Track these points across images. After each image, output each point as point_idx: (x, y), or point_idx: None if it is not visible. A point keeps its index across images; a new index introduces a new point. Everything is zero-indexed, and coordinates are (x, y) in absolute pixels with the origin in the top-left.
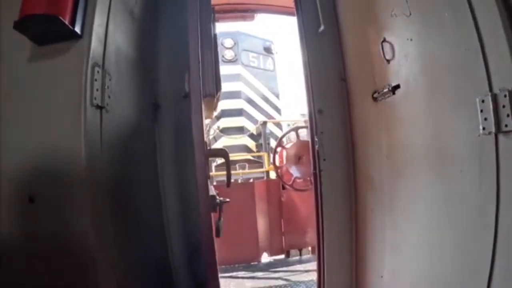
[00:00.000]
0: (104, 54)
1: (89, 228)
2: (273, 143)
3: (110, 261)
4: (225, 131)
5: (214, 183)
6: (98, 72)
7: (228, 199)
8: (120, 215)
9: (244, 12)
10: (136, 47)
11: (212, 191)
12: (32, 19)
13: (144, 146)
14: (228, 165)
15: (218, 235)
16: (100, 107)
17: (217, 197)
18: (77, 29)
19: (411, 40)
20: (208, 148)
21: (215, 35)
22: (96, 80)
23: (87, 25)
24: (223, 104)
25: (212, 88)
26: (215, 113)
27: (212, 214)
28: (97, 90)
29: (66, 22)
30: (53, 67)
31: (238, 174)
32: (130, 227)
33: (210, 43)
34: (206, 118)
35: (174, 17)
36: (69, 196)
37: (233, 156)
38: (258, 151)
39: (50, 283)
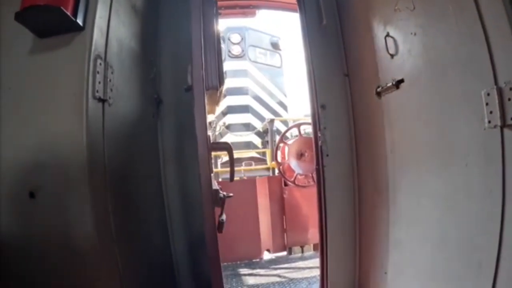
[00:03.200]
0: (106, 47)
1: (90, 223)
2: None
3: (112, 255)
4: (231, 127)
5: (220, 180)
6: (100, 64)
7: (231, 194)
8: (122, 209)
9: (246, 8)
10: (139, 40)
11: (215, 185)
12: (34, 10)
13: (146, 140)
14: (232, 159)
15: (220, 230)
16: (102, 100)
17: (221, 192)
18: (79, 21)
19: (415, 34)
20: (212, 142)
21: (217, 28)
22: (98, 72)
23: (89, 17)
24: (230, 100)
25: (215, 81)
26: (221, 109)
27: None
28: (99, 82)
29: (68, 13)
30: (55, 59)
31: (241, 171)
32: (132, 221)
33: (213, 36)
34: (209, 113)
35: (177, 10)
36: (70, 190)
37: (238, 153)
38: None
39: (52, 278)
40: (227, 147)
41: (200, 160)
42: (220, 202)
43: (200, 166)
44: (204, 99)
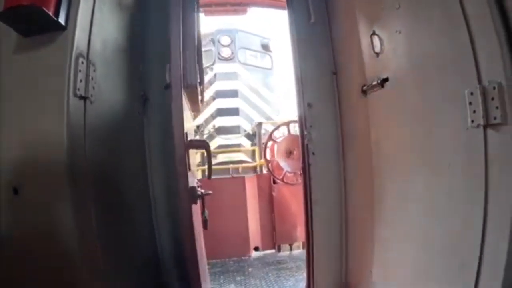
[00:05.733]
0: (89, 45)
1: (71, 219)
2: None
3: (94, 253)
4: (221, 130)
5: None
6: (82, 63)
7: (210, 191)
8: (104, 206)
9: (236, 5)
10: (125, 37)
11: (194, 183)
12: (17, 11)
13: (131, 137)
14: (209, 157)
15: (205, 227)
16: (84, 98)
17: (199, 189)
18: (61, 20)
19: (399, 32)
20: (190, 139)
21: (198, 25)
22: (80, 71)
23: (71, 16)
24: (219, 103)
25: (194, 79)
26: (211, 112)
27: (197, 206)
28: (80, 81)
29: (50, 13)
30: (38, 58)
31: (229, 169)
32: (115, 218)
33: (193, 34)
34: (193, 111)
35: (162, 8)
36: (52, 187)
37: (226, 157)
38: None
39: (33, 273)
40: (205, 145)
41: (177, 157)
42: (197, 199)
43: (176, 163)
44: (182, 97)
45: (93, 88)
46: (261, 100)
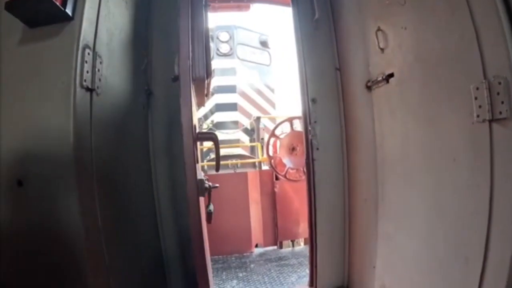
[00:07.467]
0: (95, 37)
1: (76, 212)
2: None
3: (98, 245)
4: (219, 125)
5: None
6: (88, 54)
7: (217, 185)
8: (109, 199)
9: (240, 2)
10: (130, 31)
11: (201, 175)
12: (24, 1)
13: (136, 130)
14: (217, 149)
15: (209, 221)
16: (90, 90)
17: (206, 182)
18: (69, 10)
19: (405, 28)
20: (198, 131)
21: (207, 19)
22: (86, 62)
23: (78, 7)
24: (218, 98)
25: (202, 71)
26: (209, 107)
27: (203, 200)
28: (87, 72)
29: (58, 4)
30: (44, 49)
31: (228, 164)
32: (119, 211)
33: (201, 27)
34: (198, 104)
35: (168, 1)
36: (57, 178)
37: (225, 152)
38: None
39: (38, 267)
40: (213, 137)
41: (185, 149)
42: (205, 192)
43: (184, 155)
44: (191, 89)
45: (100, 80)
46: (259, 95)
